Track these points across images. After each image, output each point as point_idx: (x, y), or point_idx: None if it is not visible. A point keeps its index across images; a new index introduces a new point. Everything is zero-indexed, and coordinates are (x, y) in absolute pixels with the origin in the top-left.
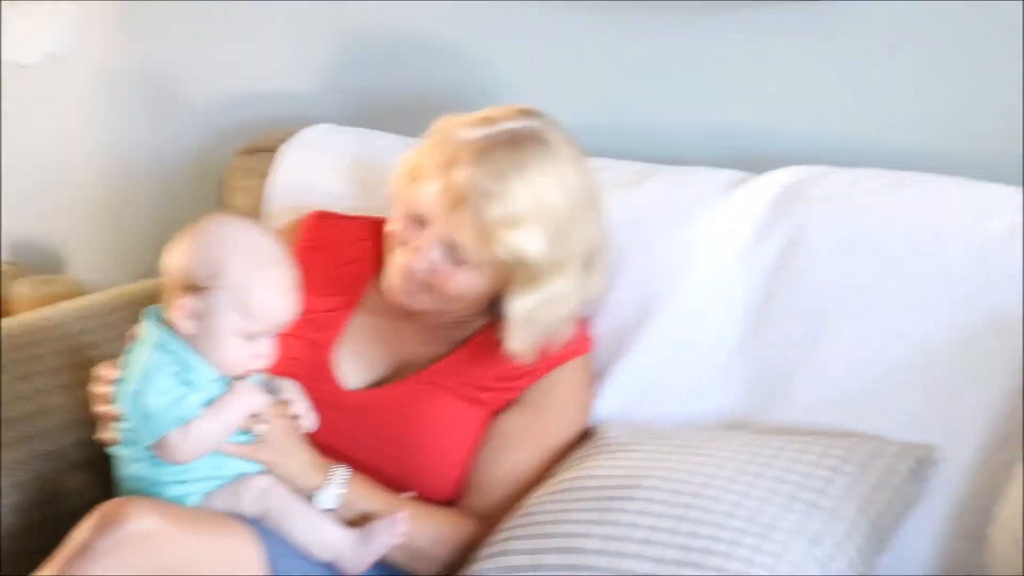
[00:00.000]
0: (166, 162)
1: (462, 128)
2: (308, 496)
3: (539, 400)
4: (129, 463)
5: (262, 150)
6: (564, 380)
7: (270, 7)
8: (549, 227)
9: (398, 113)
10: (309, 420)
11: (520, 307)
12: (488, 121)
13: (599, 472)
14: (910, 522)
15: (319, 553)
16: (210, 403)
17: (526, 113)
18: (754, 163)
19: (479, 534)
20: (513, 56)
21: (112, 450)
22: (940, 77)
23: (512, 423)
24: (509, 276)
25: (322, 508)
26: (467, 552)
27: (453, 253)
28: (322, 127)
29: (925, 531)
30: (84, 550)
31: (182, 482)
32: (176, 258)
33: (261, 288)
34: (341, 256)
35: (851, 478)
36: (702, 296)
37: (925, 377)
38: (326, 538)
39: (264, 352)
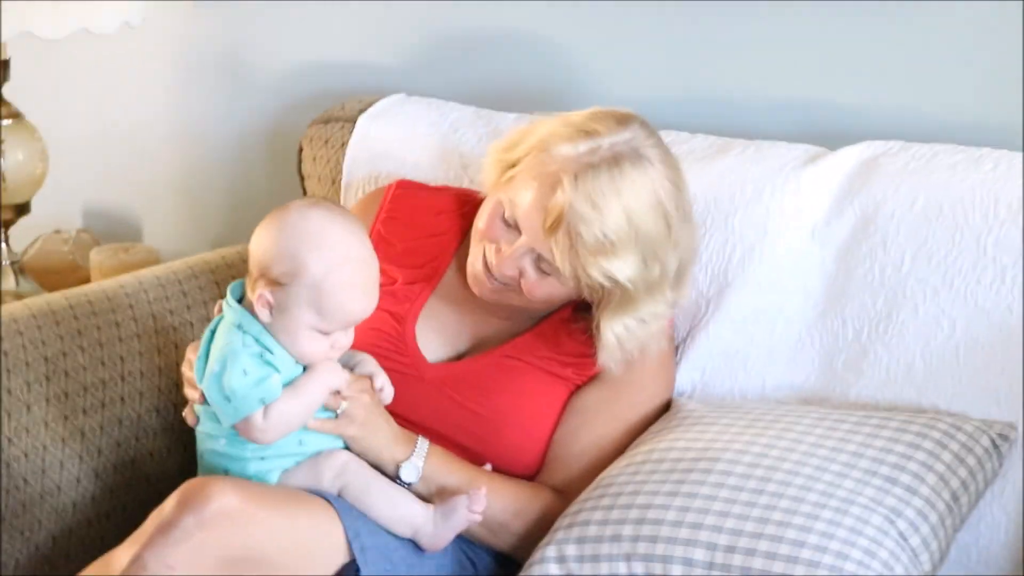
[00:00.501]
0: (242, 132)
1: (563, 142)
2: (391, 470)
3: (620, 375)
4: (209, 439)
5: (338, 119)
6: (646, 355)
7: None
8: (645, 252)
9: (473, 89)
10: (388, 392)
11: (612, 329)
12: (589, 135)
13: (677, 445)
14: (988, 499)
15: (398, 528)
16: (291, 383)
17: (624, 121)
18: (830, 138)
19: (558, 508)
20: (589, 36)
21: (197, 427)
22: (1010, 51)
23: (593, 398)
24: (601, 295)
25: (404, 481)
26: (546, 526)
27: (544, 265)
28: (397, 97)
29: (1003, 508)
30: (169, 528)
31: (262, 458)
32: (257, 245)
33: (338, 289)
34: (423, 228)
35: (929, 454)
36: (778, 270)
37: (1003, 353)
38: (405, 513)
39: (342, 344)
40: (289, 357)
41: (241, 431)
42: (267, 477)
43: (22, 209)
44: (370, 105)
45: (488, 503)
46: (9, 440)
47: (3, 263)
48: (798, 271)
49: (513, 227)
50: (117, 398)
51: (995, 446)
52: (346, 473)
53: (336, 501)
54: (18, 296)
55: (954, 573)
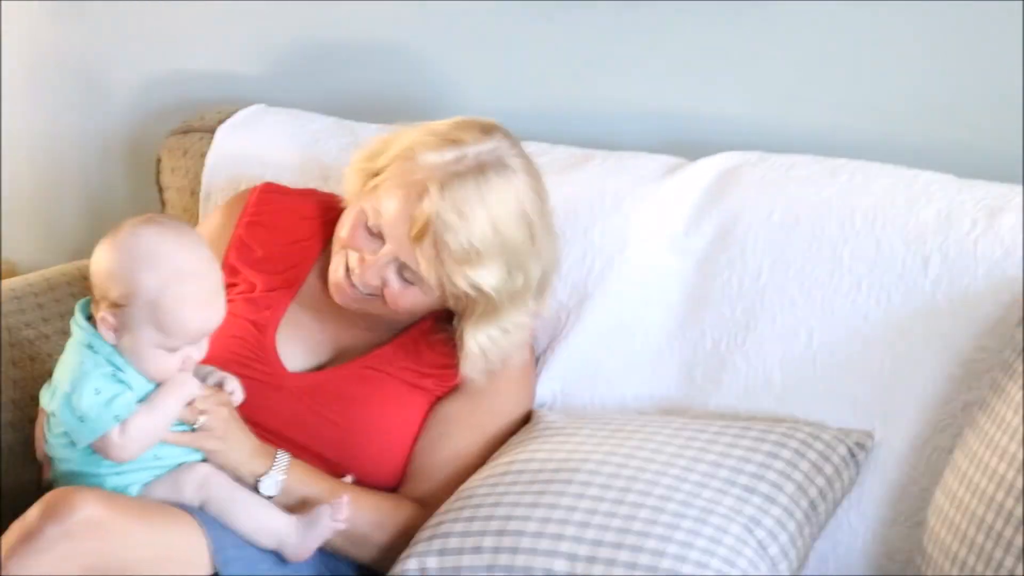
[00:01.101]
0: (101, 142)
1: (428, 151)
2: (251, 483)
3: (480, 387)
4: (62, 462)
5: (196, 130)
6: (507, 366)
7: None
8: (510, 261)
9: (334, 99)
10: (238, 395)
11: (476, 339)
12: (454, 143)
13: (537, 456)
14: (845, 506)
15: (262, 540)
16: (145, 398)
17: (489, 130)
18: (690, 149)
19: (419, 519)
20: (449, 46)
21: (49, 450)
22: (867, 62)
23: (454, 409)
24: (465, 304)
25: (264, 495)
26: (407, 537)
27: (407, 274)
28: (257, 107)
29: (860, 516)
30: (33, 537)
31: (119, 473)
32: (96, 267)
33: (176, 305)
34: (286, 234)
35: (787, 463)
36: (637, 282)
37: (860, 362)
38: (269, 525)
39: (193, 359)
40: (144, 380)
41: (99, 450)
42: (127, 491)
43: None
44: (229, 115)
45: (349, 515)
46: None
47: None
48: (658, 282)
49: (377, 236)
50: None
51: (852, 455)
52: (208, 486)
53: (200, 514)
54: None
55: None
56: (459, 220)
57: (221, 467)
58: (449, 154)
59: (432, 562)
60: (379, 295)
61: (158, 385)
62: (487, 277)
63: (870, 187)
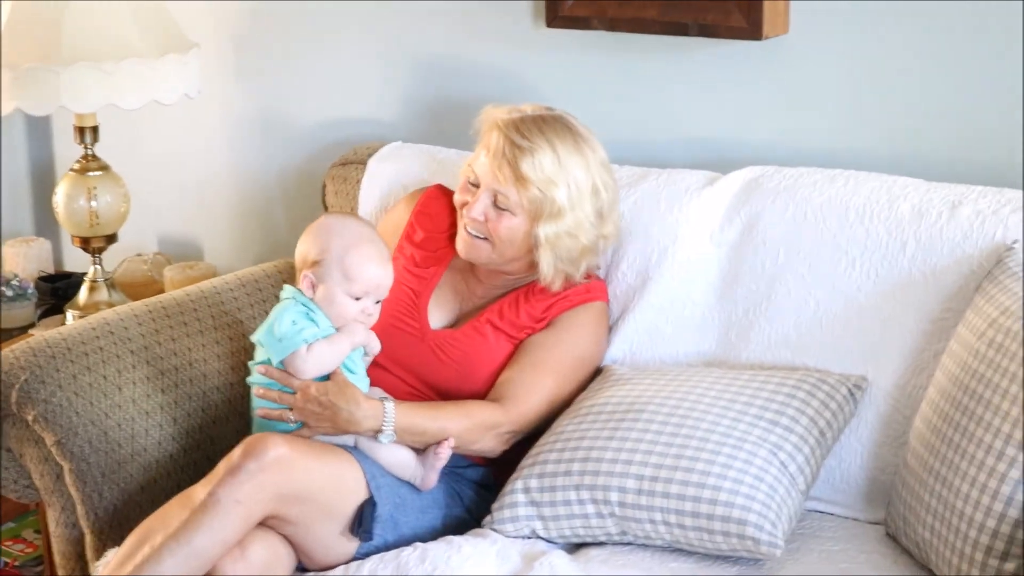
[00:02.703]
0: (280, 174)
1: (502, 113)
2: (372, 436)
3: (560, 328)
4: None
5: (352, 162)
6: (582, 318)
7: (351, 53)
8: (568, 177)
9: (454, 136)
10: (375, 346)
11: (546, 232)
12: (521, 111)
13: (612, 400)
14: (847, 433)
15: (400, 472)
16: (327, 337)
17: (550, 108)
18: (722, 165)
19: (497, 418)
20: (547, 82)
21: (252, 394)
22: (855, 95)
23: (537, 341)
24: (539, 214)
25: (386, 442)
26: (484, 427)
27: (498, 202)
28: (396, 144)
29: (858, 439)
30: (236, 471)
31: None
32: (300, 248)
33: (358, 258)
34: (443, 223)
35: (802, 402)
36: (685, 266)
37: (855, 322)
38: (403, 459)
39: (370, 310)
40: (328, 322)
41: (288, 365)
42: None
43: (111, 239)
44: (377, 150)
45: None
46: (106, 414)
47: (99, 280)
48: (700, 266)
49: (476, 186)
50: (187, 379)
51: (851, 394)
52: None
53: (355, 452)
54: (110, 305)
55: (822, 491)
56: (525, 143)
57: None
58: (514, 113)
59: (534, 483)
60: (487, 237)
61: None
62: (552, 186)
63: (860, 189)
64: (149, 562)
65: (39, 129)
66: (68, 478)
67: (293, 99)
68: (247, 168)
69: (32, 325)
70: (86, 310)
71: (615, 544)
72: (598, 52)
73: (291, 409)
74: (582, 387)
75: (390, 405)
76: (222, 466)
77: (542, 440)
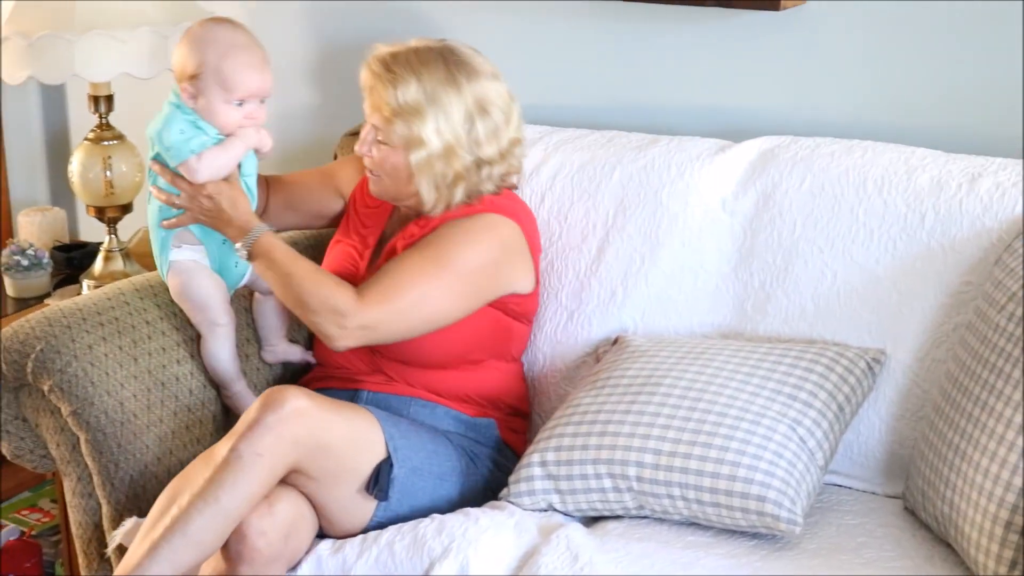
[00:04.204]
0: (292, 142)
1: (378, 49)
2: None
3: (436, 234)
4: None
5: (357, 133)
6: (463, 225)
7: (362, 20)
8: (436, 107)
9: None
10: (267, 142)
11: (417, 160)
12: (403, 44)
13: (628, 373)
14: (865, 407)
15: (212, 365)
16: (219, 143)
17: (441, 40)
18: (735, 134)
19: (344, 306)
20: (563, 50)
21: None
22: (873, 66)
23: (412, 247)
24: (410, 144)
25: (240, 255)
26: (327, 305)
27: (380, 136)
28: None
29: (877, 413)
30: (256, 424)
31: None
32: (175, 56)
33: (231, 66)
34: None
35: (820, 376)
36: (696, 233)
37: (873, 295)
38: (224, 362)
39: (254, 114)
40: (215, 131)
41: (181, 169)
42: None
43: (126, 208)
44: None
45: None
46: (121, 385)
47: (114, 250)
48: (712, 234)
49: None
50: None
51: (870, 368)
52: (214, 328)
53: (376, 411)
54: (125, 275)
55: (840, 465)
56: (388, 75)
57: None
58: (395, 47)
59: (551, 456)
60: (380, 171)
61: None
62: (417, 118)
63: (878, 160)
64: (179, 522)
65: (53, 98)
66: (84, 448)
67: (306, 68)
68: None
69: (47, 295)
70: (101, 280)
71: (632, 518)
72: (613, 21)
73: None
74: (472, 305)
75: (263, 227)
76: (242, 421)
77: (558, 413)
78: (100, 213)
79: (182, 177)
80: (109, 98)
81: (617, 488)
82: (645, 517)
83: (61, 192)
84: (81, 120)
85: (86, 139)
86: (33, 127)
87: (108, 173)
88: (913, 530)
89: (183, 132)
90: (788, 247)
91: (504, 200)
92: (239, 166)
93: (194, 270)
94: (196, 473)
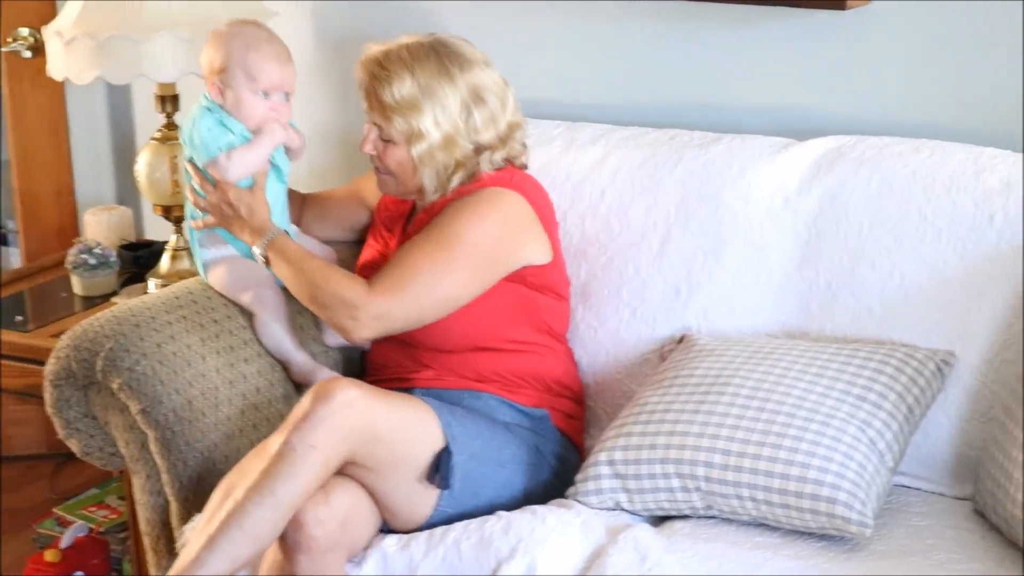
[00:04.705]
0: (359, 137)
1: (370, 48)
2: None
3: (444, 214)
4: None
5: None
6: (468, 201)
7: (429, 21)
8: (431, 100)
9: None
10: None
11: (418, 152)
12: (394, 41)
13: (696, 372)
14: (934, 408)
15: (267, 340)
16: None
17: (432, 34)
18: (800, 134)
19: (355, 298)
20: (626, 51)
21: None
22: (940, 65)
23: (418, 233)
24: (411, 138)
25: (257, 258)
26: (338, 298)
27: (382, 133)
28: None
29: (945, 414)
30: (308, 417)
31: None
32: (203, 56)
33: (256, 56)
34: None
35: (890, 377)
36: (759, 231)
37: (942, 296)
38: (277, 335)
39: (280, 108)
40: (242, 127)
41: (210, 170)
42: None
43: None
44: None
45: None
46: (189, 383)
47: (180, 248)
48: (775, 232)
49: None
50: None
51: (939, 370)
52: (262, 293)
53: (431, 401)
54: (191, 273)
55: (909, 466)
56: (382, 72)
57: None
58: (386, 45)
59: (618, 455)
60: (383, 166)
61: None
62: (415, 113)
63: (947, 161)
64: (235, 515)
65: (119, 97)
66: (153, 446)
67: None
68: (327, 132)
69: (114, 293)
70: (167, 278)
71: (700, 518)
72: (677, 20)
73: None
74: (485, 281)
75: (277, 230)
76: (294, 413)
77: (625, 411)
78: (166, 212)
79: (209, 181)
80: (175, 97)
81: (685, 488)
82: (713, 517)
83: (127, 191)
84: (147, 119)
85: (153, 139)
86: (99, 126)
87: (174, 173)
88: (983, 532)
89: (211, 130)
90: (855, 247)
91: (505, 174)
92: (276, 171)
93: (227, 259)
94: (250, 466)
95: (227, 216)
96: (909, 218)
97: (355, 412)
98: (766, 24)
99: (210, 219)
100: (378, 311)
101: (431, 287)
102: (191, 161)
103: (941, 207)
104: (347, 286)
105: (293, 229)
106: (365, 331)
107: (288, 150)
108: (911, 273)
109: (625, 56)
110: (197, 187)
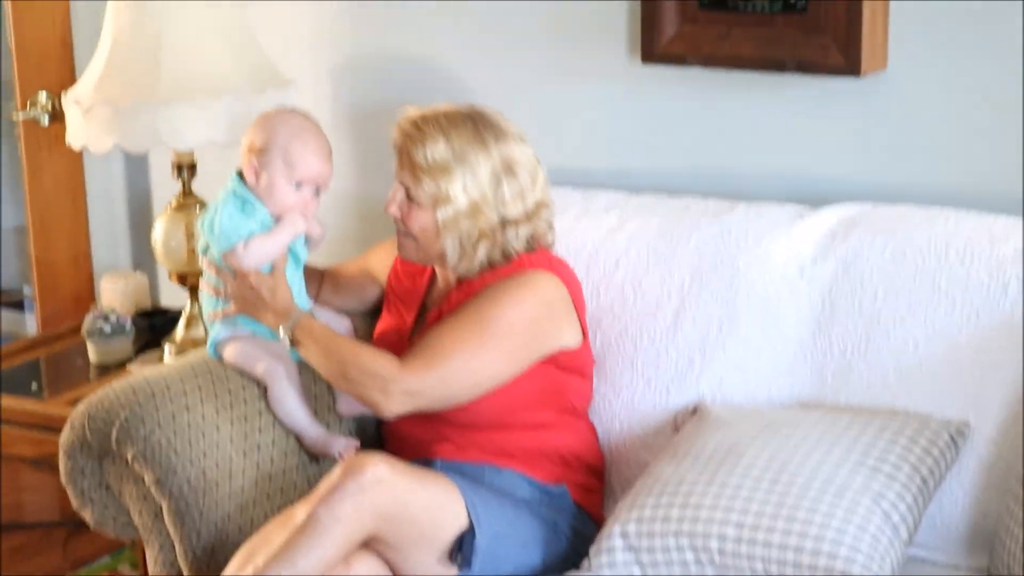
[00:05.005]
0: (378, 204)
1: (408, 110)
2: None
3: (482, 295)
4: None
5: None
6: (508, 284)
7: (446, 87)
8: (463, 165)
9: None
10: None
11: (443, 216)
12: (431, 107)
13: (709, 444)
14: (948, 478)
15: (290, 421)
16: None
17: (470, 105)
18: (815, 200)
19: (389, 372)
20: (641, 117)
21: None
22: (955, 132)
23: (457, 310)
24: (438, 202)
25: (283, 342)
26: (370, 374)
27: (408, 195)
28: None
29: (960, 485)
30: (336, 490)
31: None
32: (246, 137)
33: (300, 146)
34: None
35: (904, 448)
36: (775, 301)
37: (956, 366)
38: (291, 406)
39: (309, 201)
40: (266, 214)
41: (227, 259)
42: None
43: None
44: None
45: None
46: (204, 453)
47: (195, 316)
48: (790, 301)
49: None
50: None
51: (953, 440)
52: (274, 368)
53: (456, 479)
54: (207, 341)
55: (923, 537)
56: (417, 133)
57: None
58: (424, 110)
59: (632, 527)
60: (409, 233)
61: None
62: (445, 176)
63: (960, 229)
64: None
65: (136, 164)
66: (167, 517)
67: (388, 132)
68: (344, 201)
69: (130, 360)
70: (183, 346)
71: None
72: (693, 88)
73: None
74: (520, 364)
75: (301, 311)
76: (323, 485)
77: (639, 483)
78: (182, 279)
79: (226, 270)
80: (192, 165)
81: (699, 561)
82: None
83: (143, 257)
84: (164, 186)
85: (169, 206)
86: (116, 193)
87: (190, 240)
88: None
89: (231, 219)
90: (869, 316)
91: (541, 257)
92: (294, 256)
93: (239, 336)
94: (272, 535)
95: (249, 302)
96: (923, 287)
97: (384, 490)
98: (781, 91)
99: (231, 307)
100: (409, 387)
101: (465, 368)
102: (206, 253)
103: (955, 276)
104: (378, 360)
105: (309, 303)
106: (396, 406)
107: (308, 239)
108: (925, 342)
109: (640, 123)
110: (214, 278)
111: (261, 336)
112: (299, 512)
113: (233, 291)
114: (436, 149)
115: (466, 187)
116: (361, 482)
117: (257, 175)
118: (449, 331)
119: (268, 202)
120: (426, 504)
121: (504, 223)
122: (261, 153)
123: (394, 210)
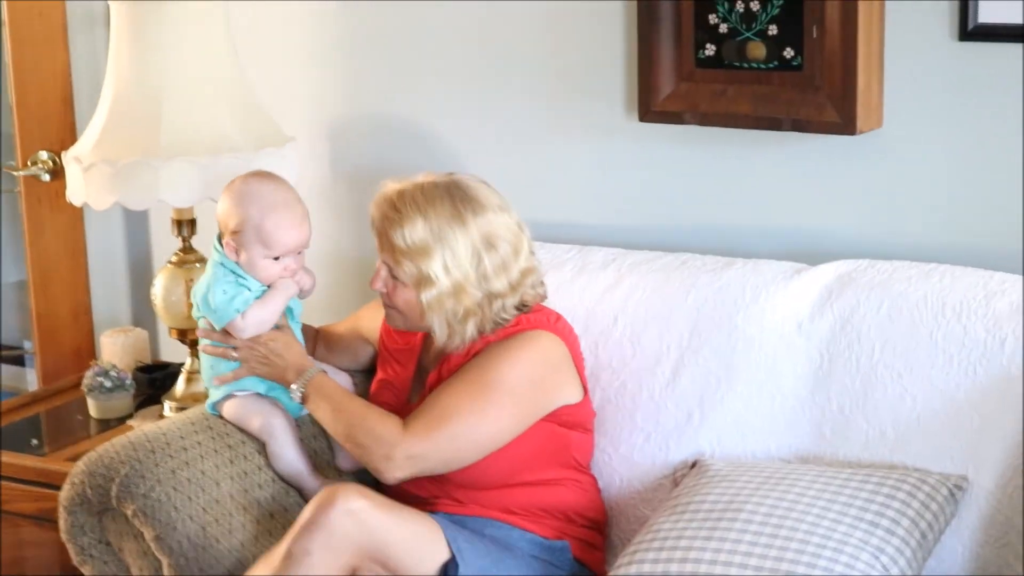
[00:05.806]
0: (346, 256)
1: (387, 185)
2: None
3: (481, 356)
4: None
5: None
6: (508, 344)
7: (444, 145)
8: (443, 245)
9: (545, 218)
10: (308, 283)
11: (427, 298)
12: (411, 180)
13: (708, 499)
14: (947, 533)
15: (280, 467)
16: (260, 297)
17: (450, 175)
18: (812, 257)
19: (391, 437)
20: (638, 175)
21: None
22: (950, 188)
23: (457, 372)
24: (420, 283)
25: (295, 396)
26: (376, 437)
27: (394, 272)
28: None
29: (959, 539)
30: (308, 524)
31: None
32: (219, 211)
33: (272, 226)
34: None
35: (902, 503)
36: (772, 357)
37: (954, 420)
38: (289, 460)
39: (292, 267)
40: (257, 283)
41: (229, 329)
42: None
43: None
44: None
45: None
46: (204, 509)
47: (196, 371)
48: (788, 357)
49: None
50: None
51: (952, 494)
52: (270, 422)
53: (437, 516)
54: (207, 396)
55: None
56: (395, 214)
57: (270, 378)
58: (403, 183)
59: None
60: (394, 306)
61: (269, 288)
62: (425, 257)
63: (956, 285)
64: None
65: (137, 220)
66: (167, 572)
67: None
68: (344, 258)
69: (130, 416)
70: (183, 401)
71: None
72: (689, 145)
73: (235, 349)
74: (523, 424)
75: (316, 368)
76: (300, 520)
77: (638, 538)
78: (182, 335)
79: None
80: (192, 222)
81: None
82: None
83: (143, 313)
84: (163, 242)
85: (169, 262)
86: (116, 249)
87: (190, 296)
88: None
89: (226, 292)
90: (867, 371)
91: (539, 315)
92: (289, 311)
93: (235, 395)
94: (256, 571)
95: (262, 358)
96: (920, 343)
97: (357, 521)
98: (778, 148)
99: (242, 369)
100: (412, 451)
101: (467, 430)
102: (203, 319)
103: (952, 332)
104: (383, 424)
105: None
106: (399, 471)
107: (300, 291)
108: (923, 397)
109: (638, 180)
110: (215, 342)
111: (263, 394)
112: (277, 551)
113: (243, 355)
114: (415, 231)
115: (447, 267)
116: (331, 514)
117: (236, 253)
118: (451, 393)
119: (253, 275)
120: (406, 536)
121: (490, 297)
122: (236, 234)
123: (379, 286)
